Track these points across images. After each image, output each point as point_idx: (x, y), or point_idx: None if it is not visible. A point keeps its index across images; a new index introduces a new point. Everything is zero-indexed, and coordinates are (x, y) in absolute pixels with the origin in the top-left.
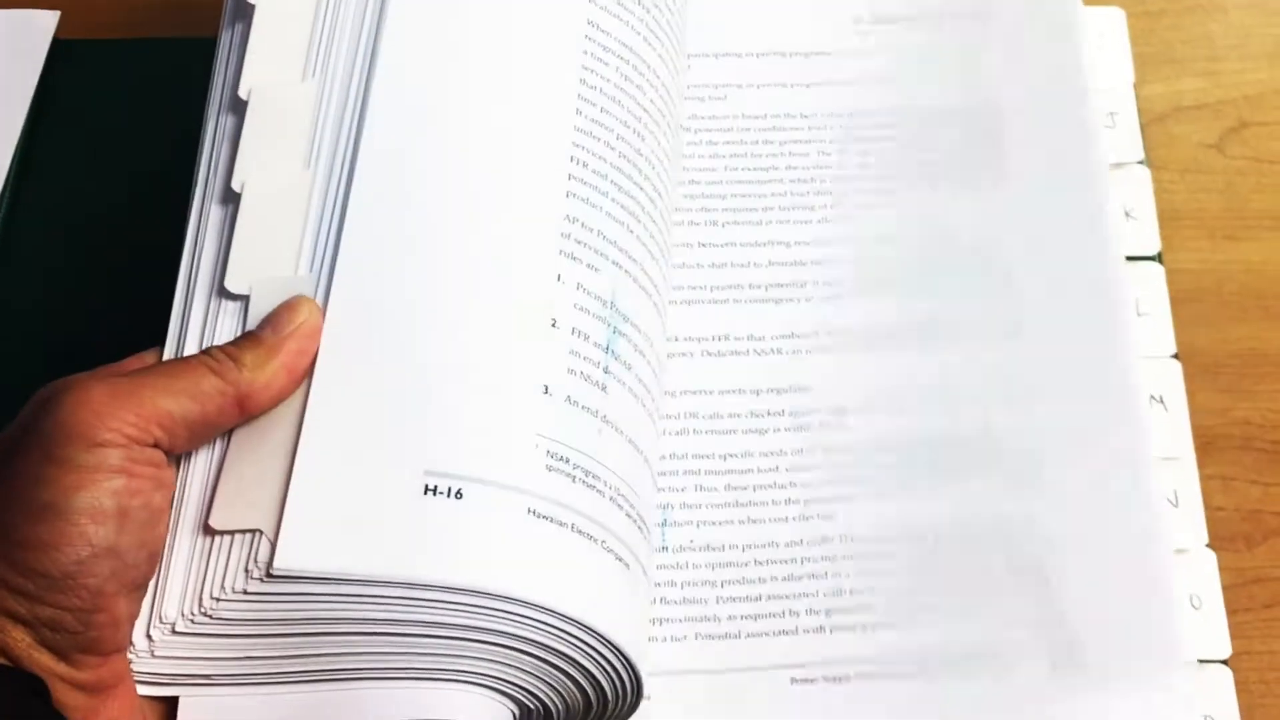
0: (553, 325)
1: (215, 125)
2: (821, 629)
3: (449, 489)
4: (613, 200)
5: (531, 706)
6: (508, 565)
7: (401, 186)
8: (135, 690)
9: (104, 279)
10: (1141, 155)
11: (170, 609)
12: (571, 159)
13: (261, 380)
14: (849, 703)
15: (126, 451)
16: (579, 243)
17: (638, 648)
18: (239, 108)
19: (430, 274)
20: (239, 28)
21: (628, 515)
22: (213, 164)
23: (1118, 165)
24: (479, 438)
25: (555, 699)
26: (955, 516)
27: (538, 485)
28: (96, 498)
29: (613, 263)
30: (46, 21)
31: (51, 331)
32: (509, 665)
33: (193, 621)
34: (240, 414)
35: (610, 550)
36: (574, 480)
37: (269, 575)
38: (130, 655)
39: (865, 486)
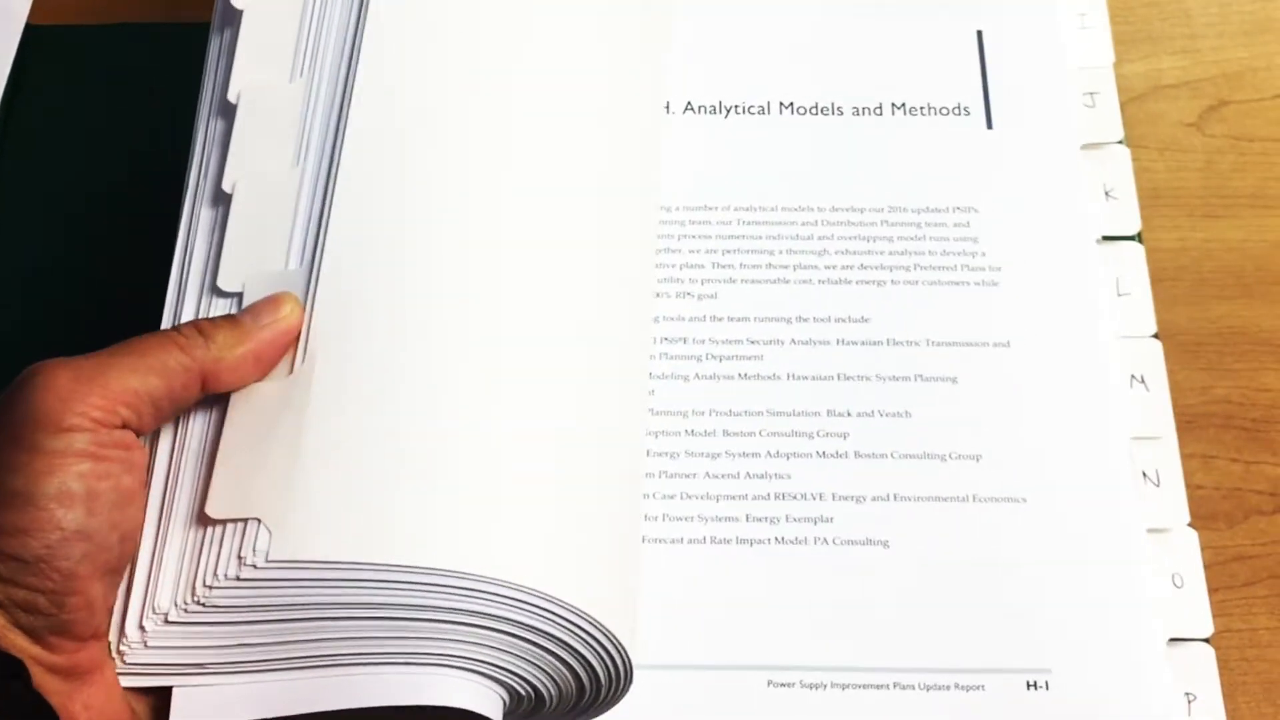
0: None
1: (205, 129)
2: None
3: None
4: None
5: (523, 693)
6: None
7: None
8: (115, 679)
9: (82, 270)
10: (1121, 135)
11: (164, 599)
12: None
13: (228, 360)
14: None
15: (93, 435)
16: None
17: (630, 632)
18: (228, 111)
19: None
20: (227, 33)
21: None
22: (203, 166)
23: (1097, 145)
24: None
25: (548, 683)
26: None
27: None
28: (64, 482)
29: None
30: (19, 7)
31: (27, 321)
32: (501, 650)
33: (186, 611)
34: (201, 391)
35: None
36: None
37: (266, 561)
38: (123, 647)
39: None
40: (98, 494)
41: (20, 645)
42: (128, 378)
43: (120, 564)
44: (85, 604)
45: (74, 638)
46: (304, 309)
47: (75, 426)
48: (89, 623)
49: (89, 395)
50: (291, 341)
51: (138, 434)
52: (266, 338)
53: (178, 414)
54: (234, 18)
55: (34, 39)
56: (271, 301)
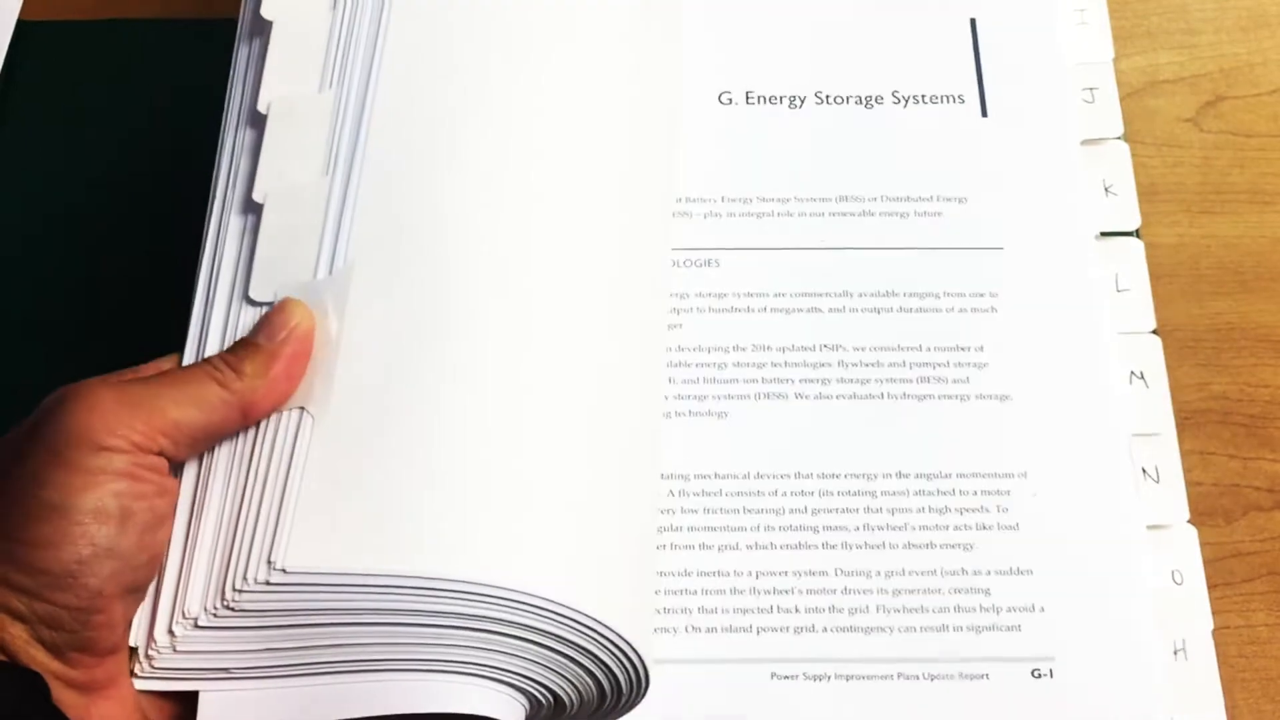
0: None
1: (233, 137)
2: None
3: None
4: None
5: (543, 700)
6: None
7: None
8: (130, 692)
9: (75, 267)
10: (1120, 130)
11: (193, 604)
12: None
13: (264, 389)
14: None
15: (132, 457)
16: None
17: (647, 637)
18: (258, 121)
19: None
20: (256, 43)
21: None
22: (231, 175)
23: (1097, 140)
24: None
25: (569, 690)
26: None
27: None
28: (100, 499)
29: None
30: (10, 2)
31: (24, 320)
32: (523, 658)
33: (215, 615)
34: (243, 421)
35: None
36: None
37: (295, 566)
38: (151, 652)
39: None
40: (131, 513)
41: (39, 659)
42: (170, 409)
43: (144, 584)
44: (108, 622)
45: (94, 654)
46: (312, 313)
47: (114, 447)
48: (109, 640)
49: (133, 420)
50: (309, 348)
51: (172, 462)
52: (289, 353)
53: (213, 445)
54: (262, 28)
55: (26, 35)
56: (280, 314)
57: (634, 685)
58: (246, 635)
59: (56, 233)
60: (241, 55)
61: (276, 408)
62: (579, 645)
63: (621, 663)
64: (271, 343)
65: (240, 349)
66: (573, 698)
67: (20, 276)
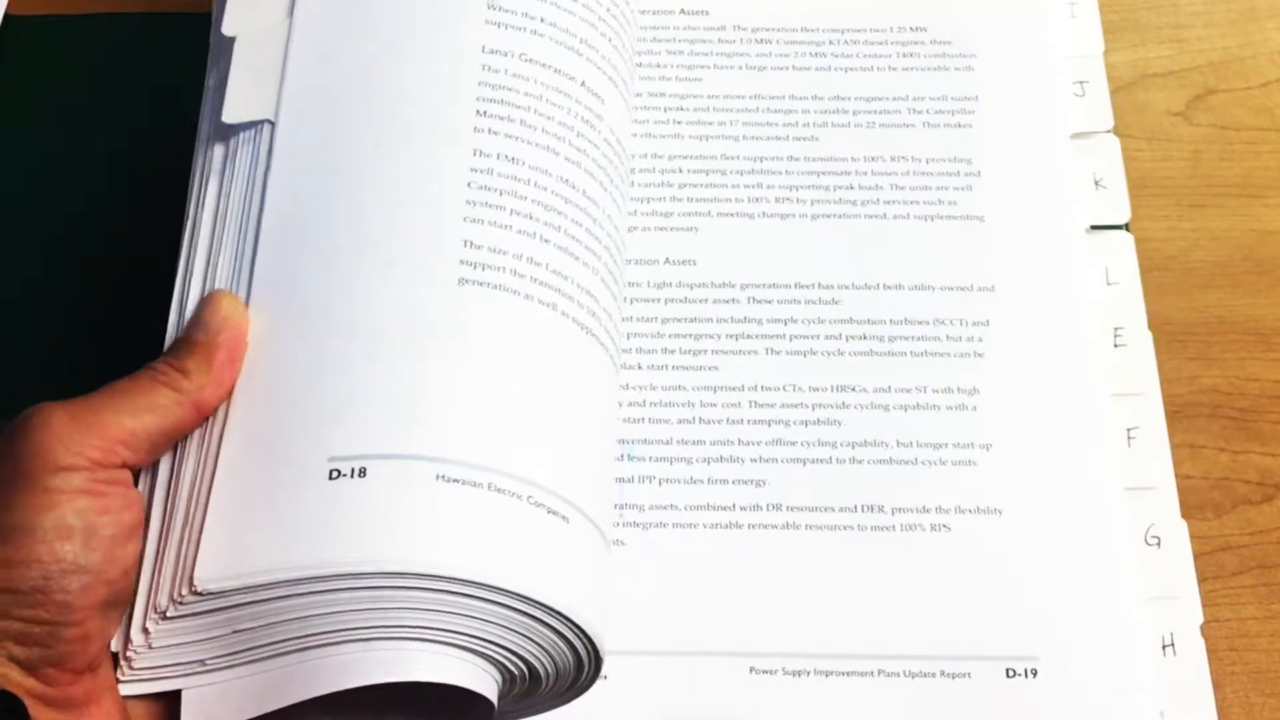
0: None
1: (204, 156)
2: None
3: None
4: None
5: (517, 671)
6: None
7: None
8: (113, 711)
9: (58, 262)
10: (1111, 124)
11: (162, 598)
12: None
13: (210, 384)
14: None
15: (91, 474)
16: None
17: (586, 607)
18: (225, 135)
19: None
20: (223, 64)
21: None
22: (202, 191)
23: (1087, 134)
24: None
25: (543, 659)
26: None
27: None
28: (62, 517)
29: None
30: None
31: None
32: (492, 623)
33: (181, 603)
34: (199, 418)
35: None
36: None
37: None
38: (129, 653)
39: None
40: (96, 528)
41: (15, 679)
42: (124, 419)
43: (122, 597)
44: (82, 635)
45: (70, 670)
46: (241, 302)
47: (72, 466)
48: (85, 654)
49: (86, 437)
50: (245, 335)
51: (136, 471)
52: (226, 341)
53: (172, 446)
54: (227, 48)
55: (14, 29)
56: (210, 307)
57: (598, 658)
58: (213, 620)
59: (45, 228)
60: (211, 79)
61: (225, 398)
62: (547, 606)
63: (580, 634)
64: (208, 336)
65: (180, 349)
66: (548, 668)
67: (4, 271)
